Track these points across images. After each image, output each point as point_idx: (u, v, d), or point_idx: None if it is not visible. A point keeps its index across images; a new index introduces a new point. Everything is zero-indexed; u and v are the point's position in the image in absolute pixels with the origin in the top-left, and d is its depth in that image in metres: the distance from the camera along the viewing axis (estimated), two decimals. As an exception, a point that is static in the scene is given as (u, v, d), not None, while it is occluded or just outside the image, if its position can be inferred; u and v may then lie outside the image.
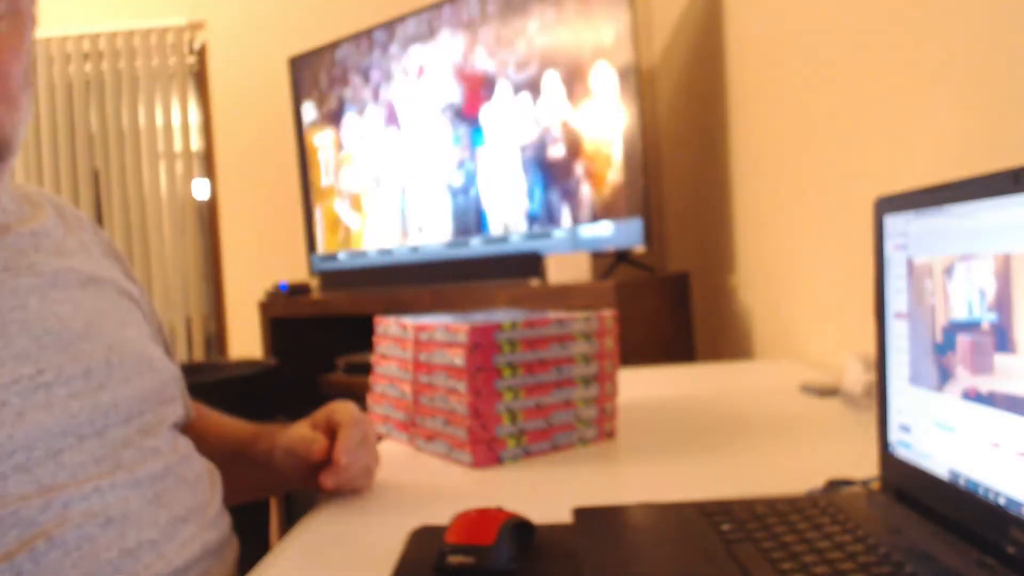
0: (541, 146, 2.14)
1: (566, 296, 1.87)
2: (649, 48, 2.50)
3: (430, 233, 2.46)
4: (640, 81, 1.96)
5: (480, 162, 2.30)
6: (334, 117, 2.75)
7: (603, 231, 2.01)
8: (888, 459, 0.63)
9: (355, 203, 2.72)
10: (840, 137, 1.34)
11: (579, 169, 2.06)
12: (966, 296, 0.52)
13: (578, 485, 0.80)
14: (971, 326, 0.52)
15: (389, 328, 1.00)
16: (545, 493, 0.77)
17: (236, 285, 3.23)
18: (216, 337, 3.30)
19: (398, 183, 2.56)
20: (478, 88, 2.29)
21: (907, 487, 0.60)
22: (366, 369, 1.13)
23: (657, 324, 2.00)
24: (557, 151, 2.10)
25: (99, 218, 3.21)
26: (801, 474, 0.71)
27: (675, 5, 2.30)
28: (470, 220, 2.34)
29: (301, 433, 0.78)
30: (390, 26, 2.52)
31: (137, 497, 0.63)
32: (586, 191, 2.05)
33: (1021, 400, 0.47)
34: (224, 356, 3.25)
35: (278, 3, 3.11)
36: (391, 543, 0.62)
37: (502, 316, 0.95)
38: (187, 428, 0.85)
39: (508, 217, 2.24)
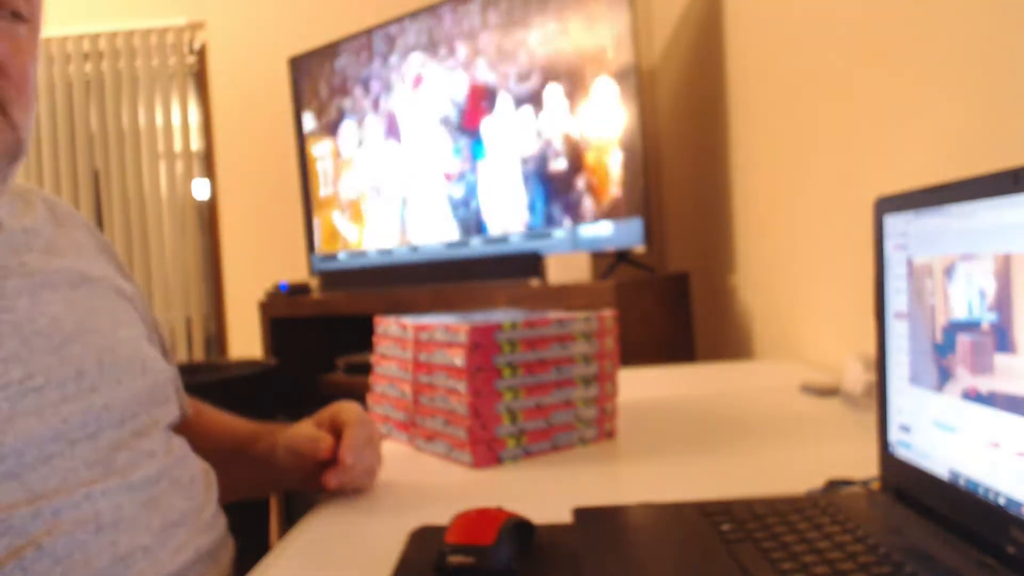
0: (541, 146, 2.14)
1: (566, 296, 1.87)
2: (649, 48, 2.50)
3: (430, 232, 2.46)
4: (640, 81, 1.96)
5: (480, 162, 2.30)
6: (333, 127, 2.75)
7: (603, 231, 2.01)
8: (888, 459, 0.63)
9: (354, 214, 2.72)
10: (840, 137, 1.34)
11: (579, 169, 2.06)
12: (966, 296, 0.52)
13: (578, 485, 0.80)
14: (971, 326, 0.52)
15: (389, 328, 1.00)
16: (545, 493, 0.77)
17: (236, 285, 3.23)
18: (216, 337, 3.30)
19: (398, 194, 2.56)
20: (479, 99, 2.29)
21: (907, 487, 0.60)
22: (366, 369, 1.13)
23: (657, 324, 2.00)
24: (557, 151, 2.10)
25: (99, 218, 3.21)
26: (801, 474, 0.71)
27: (675, 5, 2.30)
28: (471, 219, 2.34)
29: (306, 432, 0.78)
30: (390, 37, 2.52)
31: (130, 502, 0.62)
32: (586, 191, 2.05)
33: (1021, 400, 0.47)
34: (224, 356, 3.25)
35: (278, 3, 3.11)
36: (391, 543, 0.62)
37: (502, 316, 0.95)
38: (185, 426, 0.85)
39: (508, 217, 2.24)
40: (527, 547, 0.59)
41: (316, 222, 2.87)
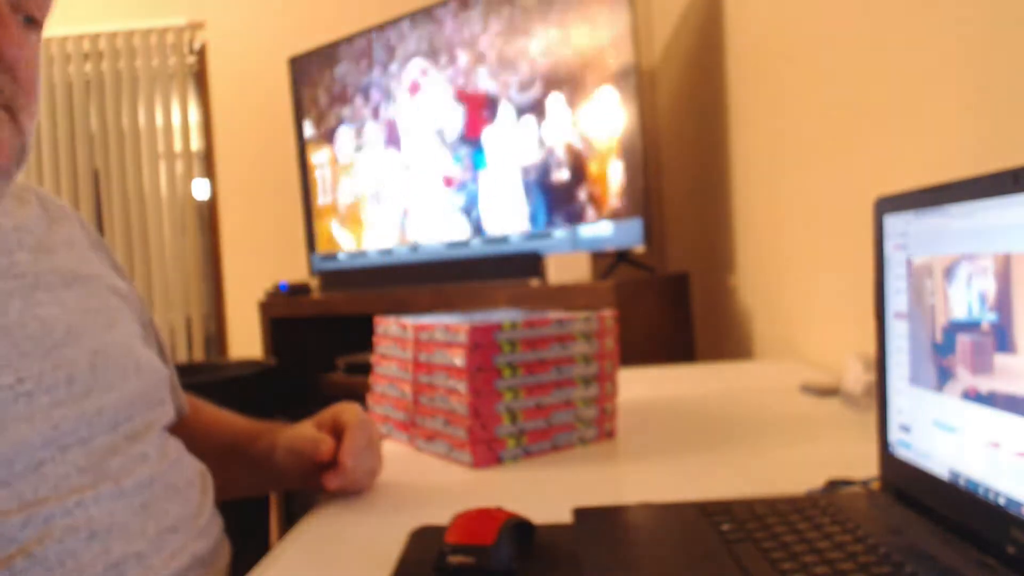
0: (542, 146, 2.14)
1: (566, 296, 1.87)
2: (649, 48, 2.50)
3: (430, 232, 2.46)
4: (640, 81, 1.96)
5: (480, 160, 2.30)
6: (331, 135, 2.75)
7: (603, 231, 2.01)
8: (888, 459, 0.63)
9: (353, 221, 2.72)
10: (840, 137, 1.34)
11: (579, 169, 2.06)
12: (966, 296, 0.52)
13: (578, 485, 0.80)
14: (971, 326, 0.52)
15: (389, 328, 1.00)
16: (545, 493, 0.77)
17: (236, 285, 3.23)
18: (216, 337, 3.29)
19: (398, 201, 2.56)
20: (479, 105, 2.29)
21: (907, 487, 0.60)
22: (366, 369, 1.13)
23: (657, 324, 2.00)
24: (557, 152, 2.10)
25: (99, 218, 3.21)
26: (801, 474, 0.71)
27: (675, 5, 2.30)
28: (471, 218, 2.34)
29: (307, 433, 0.78)
30: (390, 41, 2.52)
31: (123, 508, 0.61)
32: (586, 191, 2.05)
33: (1021, 400, 0.47)
34: (224, 356, 3.25)
35: (278, 3, 3.11)
36: (391, 543, 0.62)
37: (502, 316, 0.95)
38: (183, 423, 0.85)
39: (508, 216, 2.24)
40: (527, 547, 0.59)
41: (316, 226, 2.87)
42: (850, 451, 0.80)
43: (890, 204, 0.62)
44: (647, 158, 2.01)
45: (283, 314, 2.68)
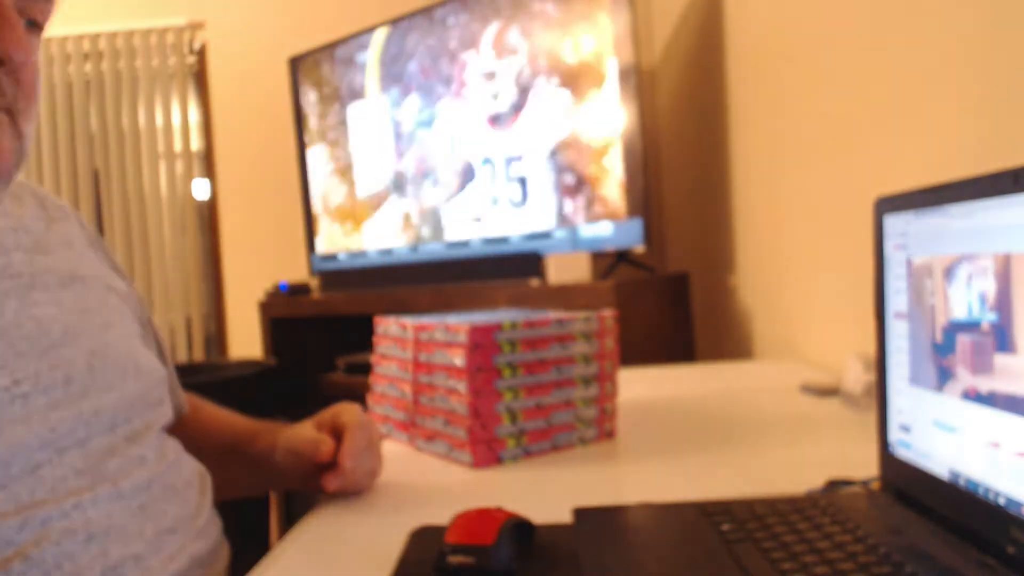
0: (541, 147, 2.14)
1: (566, 296, 1.87)
2: (649, 48, 2.50)
3: (430, 232, 2.46)
4: (640, 81, 1.96)
5: (479, 164, 2.30)
6: (332, 129, 2.75)
7: (603, 231, 2.01)
8: (888, 459, 0.63)
9: (354, 219, 2.72)
10: (840, 137, 1.34)
11: (579, 169, 2.06)
12: (966, 296, 0.52)
13: (578, 485, 0.80)
14: (971, 326, 0.52)
15: (389, 328, 1.00)
16: (545, 493, 0.77)
17: (236, 285, 3.23)
18: (216, 337, 3.30)
19: (399, 198, 2.56)
20: (479, 103, 2.29)
21: (907, 487, 0.60)
22: (366, 369, 1.13)
23: (657, 324, 2.00)
24: (557, 151, 2.10)
25: (99, 218, 3.21)
26: (801, 474, 0.71)
27: (675, 5, 2.30)
28: (469, 221, 2.34)
29: (306, 434, 0.78)
30: (390, 40, 2.52)
31: (121, 510, 0.61)
32: (586, 191, 2.05)
33: (1021, 400, 0.47)
34: (224, 356, 3.25)
35: (278, 3, 3.11)
36: (391, 543, 0.62)
37: (502, 316, 0.95)
38: (183, 422, 0.84)
39: (508, 217, 2.24)
40: (527, 547, 0.59)
41: (316, 226, 2.87)
42: (850, 451, 0.80)
43: (890, 204, 0.62)
44: (647, 158, 2.01)
45: (283, 314, 2.68)
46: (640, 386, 1.25)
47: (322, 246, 2.83)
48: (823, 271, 1.45)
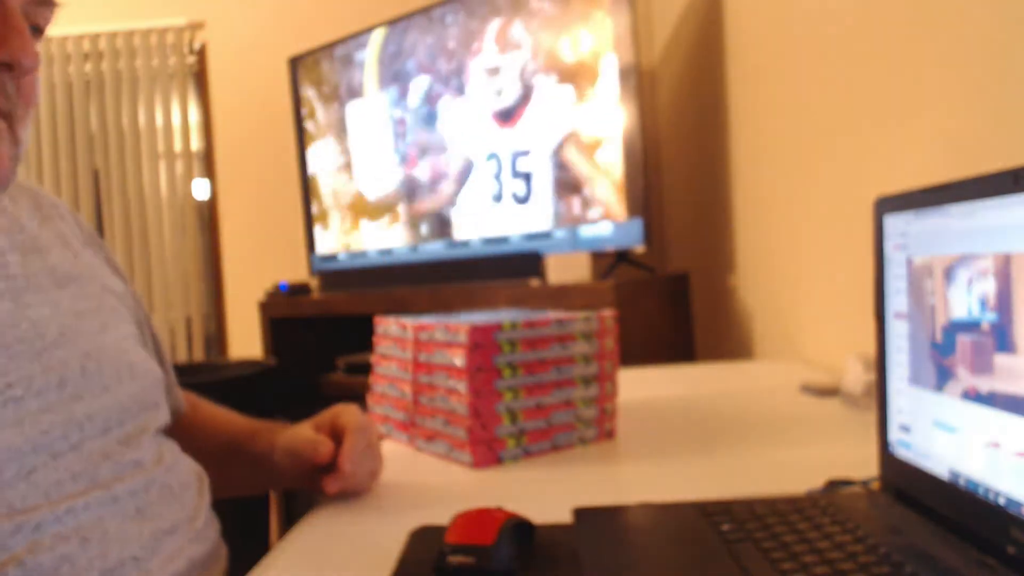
0: (542, 147, 2.14)
1: (566, 296, 1.87)
2: (649, 48, 2.50)
3: (430, 231, 2.46)
4: (640, 81, 1.96)
5: (480, 164, 2.30)
6: (332, 129, 2.75)
7: (603, 231, 2.01)
8: (888, 459, 0.63)
9: (353, 219, 2.72)
10: (840, 137, 1.34)
11: (579, 169, 2.06)
12: (966, 296, 0.52)
13: (578, 485, 0.80)
14: (971, 326, 0.52)
15: (389, 328, 1.00)
16: (545, 493, 0.77)
17: (236, 285, 3.23)
18: (216, 337, 3.30)
19: (398, 198, 2.56)
20: (479, 103, 2.29)
21: (907, 487, 0.60)
22: (366, 369, 1.13)
23: (657, 324, 2.00)
24: (557, 151, 2.10)
25: (99, 218, 3.21)
26: (801, 474, 0.71)
27: (675, 5, 2.30)
28: (469, 221, 2.34)
29: (305, 435, 0.78)
30: (389, 40, 2.52)
31: (116, 514, 0.60)
32: (586, 191, 2.05)
33: (1021, 400, 0.47)
34: (224, 356, 3.25)
35: (278, 3, 3.11)
36: (391, 543, 0.62)
37: (502, 316, 0.95)
38: (181, 422, 0.84)
39: (508, 218, 2.23)
40: (527, 547, 0.59)
41: (316, 226, 2.87)
42: (850, 451, 0.80)
43: (890, 204, 0.62)
44: (647, 158, 2.01)
45: (283, 314, 2.68)
46: (640, 386, 1.25)
47: (331, 239, 2.81)
48: (823, 271, 1.45)
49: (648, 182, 1.98)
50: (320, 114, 2.79)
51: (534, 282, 2.03)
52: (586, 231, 2.05)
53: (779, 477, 0.75)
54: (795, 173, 1.56)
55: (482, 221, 2.30)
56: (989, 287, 0.50)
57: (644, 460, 0.88)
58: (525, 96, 2.17)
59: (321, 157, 2.80)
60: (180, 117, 3.22)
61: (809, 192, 1.50)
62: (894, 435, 0.62)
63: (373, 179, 2.64)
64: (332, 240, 2.80)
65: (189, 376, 0.87)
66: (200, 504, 0.72)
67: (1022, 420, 0.47)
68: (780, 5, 1.59)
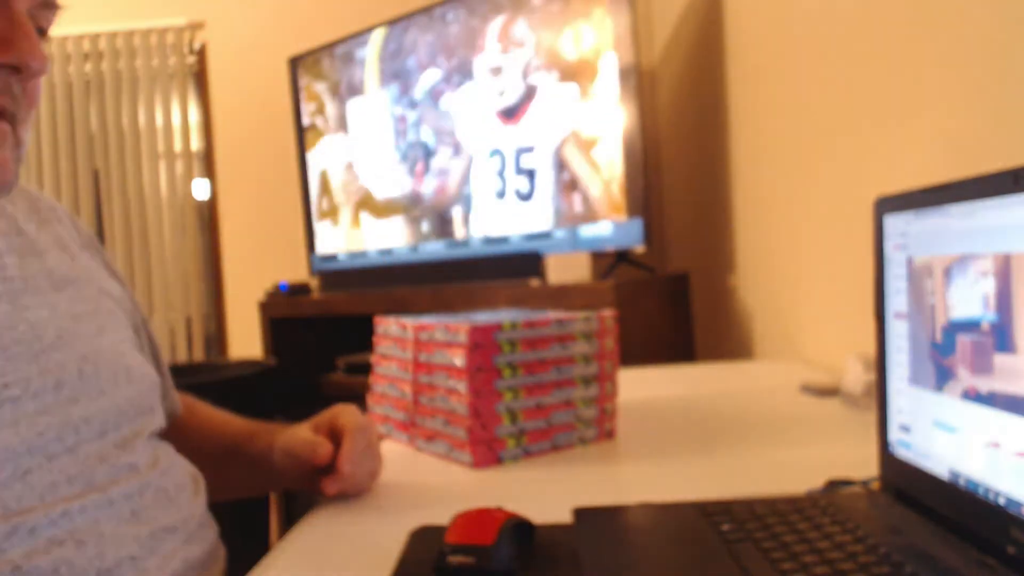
0: (542, 146, 2.14)
1: (566, 296, 1.87)
2: (649, 48, 2.50)
3: (431, 230, 2.46)
4: (640, 81, 1.96)
5: (479, 163, 2.30)
6: (332, 129, 2.75)
7: (603, 231, 2.01)
8: (888, 459, 0.63)
9: (353, 219, 2.71)
10: (840, 137, 1.34)
11: (579, 169, 2.06)
12: (966, 296, 0.52)
13: (578, 485, 0.80)
14: (971, 326, 0.52)
15: (389, 328, 1.00)
16: (545, 493, 0.77)
17: (236, 285, 3.23)
18: (216, 337, 3.30)
19: (397, 198, 2.56)
20: (480, 102, 2.29)
21: (907, 487, 0.60)
22: (366, 369, 1.13)
23: (657, 324, 2.00)
24: (558, 151, 2.10)
25: (99, 218, 3.21)
26: (801, 474, 0.71)
27: (675, 5, 2.30)
28: (470, 220, 2.34)
29: (304, 436, 0.78)
30: (390, 39, 2.52)
31: (111, 517, 0.60)
32: (586, 191, 2.05)
33: (1021, 400, 0.47)
34: (224, 356, 3.25)
35: (278, 3, 3.11)
36: (391, 543, 0.62)
37: (502, 316, 0.95)
38: (178, 425, 0.84)
39: (508, 217, 2.23)
40: (527, 547, 0.59)
41: (316, 226, 2.86)
42: (850, 451, 0.80)
43: (890, 204, 0.62)
44: (647, 158, 2.01)
45: (283, 314, 2.68)
46: (640, 386, 1.25)
47: (341, 235, 2.79)
48: (823, 271, 1.45)
49: (648, 182, 1.98)
50: (330, 109, 2.77)
51: (534, 282, 2.03)
52: (586, 231, 2.05)
53: (779, 477, 0.75)
54: (795, 173, 1.56)
55: (485, 219, 2.30)
56: (989, 287, 0.50)
57: (644, 460, 0.88)
58: (528, 94, 2.17)
59: (332, 152, 2.79)
60: (180, 117, 3.22)
61: (809, 192, 1.50)
62: (894, 435, 0.62)
63: (375, 176, 2.64)
64: (341, 236, 2.78)
65: (189, 376, 0.87)
66: (196, 506, 0.72)
67: (1022, 420, 0.47)
68: (780, 5, 1.59)
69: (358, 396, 1.09)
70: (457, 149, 2.36)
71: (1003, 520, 0.48)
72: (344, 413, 0.79)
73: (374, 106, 2.60)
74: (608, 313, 0.96)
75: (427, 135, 2.44)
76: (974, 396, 0.51)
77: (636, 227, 1.94)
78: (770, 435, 0.94)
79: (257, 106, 3.12)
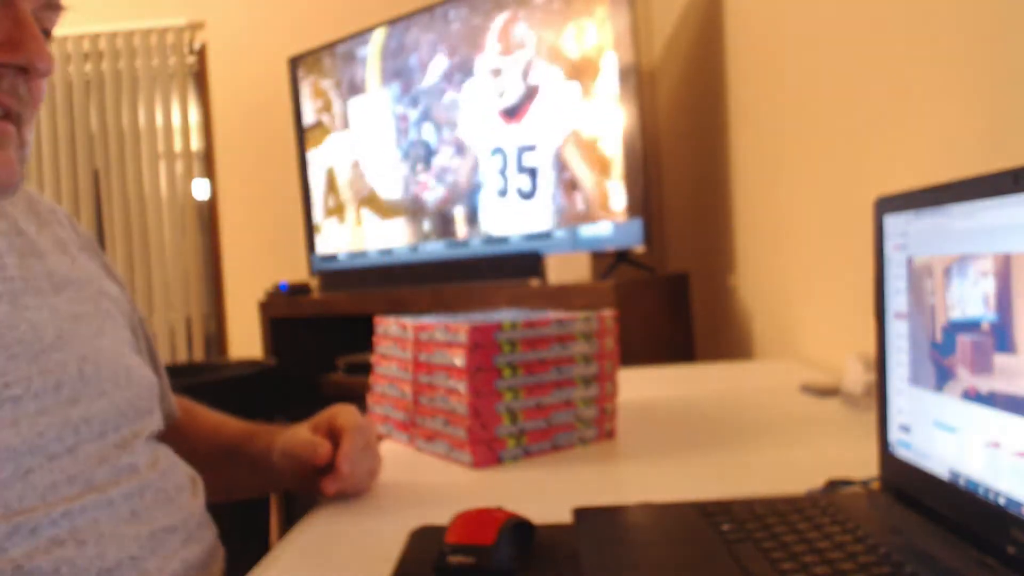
0: (542, 146, 2.14)
1: (566, 296, 1.87)
2: (649, 48, 2.50)
3: (431, 230, 2.46)
4: (640, 81, 1.96)
5: (479, 163, 2.30)
6: (331, 129, 2.75)
7: (603, 231, 2.01)
8: (888, 459, 0.63)
9: (354, 218, 2.71)
10: (840, 137, 1.34)
11: (579, 169, 2.06)
12: (966, 296, 0.52)
13: (578, 485, 0.80)
14: (971, 326, 0.52)
15: (389, 328, 1.00)
16: (545, 493, 0.77)
17: (236, 285, 3.23)
18: (216, 337, 3.30)
19: (396, 197, 2.56)
20: (479, 101, 2.29)
21: (907, 487, 0.60)
22: (366, 369, 1.13)
23: (657, 324, 2.00)
24: (557, 151, 2.10)
25: (99, 218, 3.21)
26: (801, 474, 0.71)
27: (675, 5, 2.30)
28: (471, 219, 2.34)
29: (303, 437, 0.78)
30: (390, 39, 2.52)
31: (111, 517, 0.61)
32: (586, 191, 2.05)
33: (1021, 400, 0.47)
34: (224, 356, 3.25)
35: (278, 3, 3.11)
36: (391, 543, 0.62)
37: (502, 316, 0.95)
38: (176, 428, 0.84)
39: (508, 217, 2.23)
40: (527, 547, 0.59)
41: (323, 224, 2.86)
42: (850, 451, 0.80)
43: (890, 204, 0.62)
44: (647, 158, 2.01)
45: (283, 314, 2.68)
46: (640, 386, 1.25)
47: (346, 233, 2.78)
48: (823, 271, 1.45)
49: (648, 182, 1.98)
50: (336, 106, 2.77)
51: (534, 282, 2.03)
52: (586, 231, 2.05)
53: (779, 477, 0.75)
54: (795, 173, 1.56)
55: (487, 218, 2.30)
56: (989, 287, 0.50)
57: (644, 460, 0.88)
58: (529, 94, 2.17)
59: (338, 150, 2.78)
60: (180, 117, 3.22)
61: (809, 192, 1.50)
62: (894, 435, 0.62)
63: (378, 175, 2.64)
64: (347, 234, 2.77)
65: (189, 376, 0.87)
66: (195, 506, 0.72)
67: (1022, 420, 0.47)
68: (780, 5, 1.59)
69: (358, 396, 1.09)
70: (459, 148, 2.36)
71: (1003, 520, 0.48)
72: (342, 413, 0.79)
73: (376, 105, 2.60)
74: (608, 313, 0.96)
75: (429, 134, 2.44)
76: (974, 396, 0.51)
77: (636, 227, 1.94)
78: (770, 435, 0.94)
79: (257, 106, 3.12)
